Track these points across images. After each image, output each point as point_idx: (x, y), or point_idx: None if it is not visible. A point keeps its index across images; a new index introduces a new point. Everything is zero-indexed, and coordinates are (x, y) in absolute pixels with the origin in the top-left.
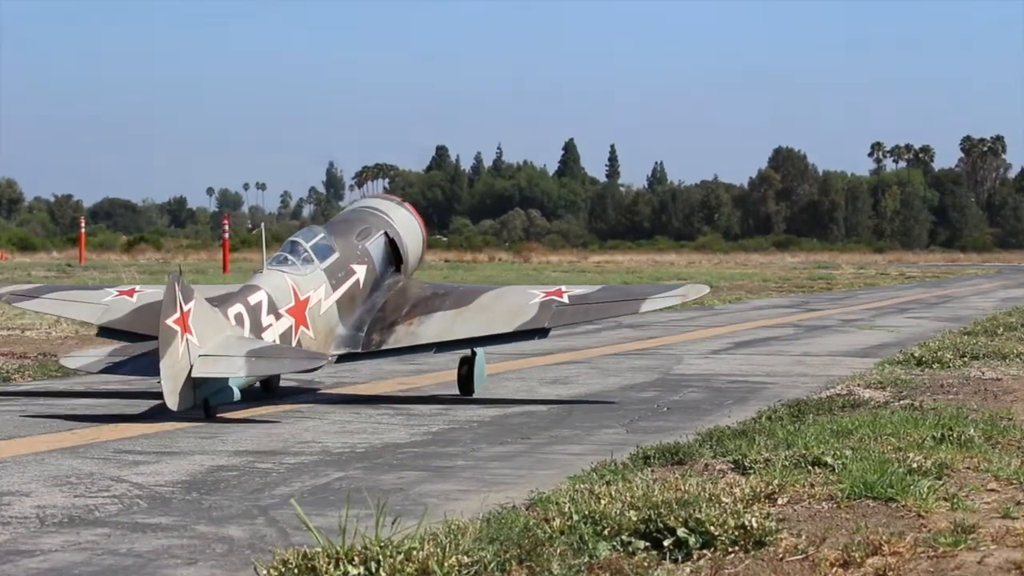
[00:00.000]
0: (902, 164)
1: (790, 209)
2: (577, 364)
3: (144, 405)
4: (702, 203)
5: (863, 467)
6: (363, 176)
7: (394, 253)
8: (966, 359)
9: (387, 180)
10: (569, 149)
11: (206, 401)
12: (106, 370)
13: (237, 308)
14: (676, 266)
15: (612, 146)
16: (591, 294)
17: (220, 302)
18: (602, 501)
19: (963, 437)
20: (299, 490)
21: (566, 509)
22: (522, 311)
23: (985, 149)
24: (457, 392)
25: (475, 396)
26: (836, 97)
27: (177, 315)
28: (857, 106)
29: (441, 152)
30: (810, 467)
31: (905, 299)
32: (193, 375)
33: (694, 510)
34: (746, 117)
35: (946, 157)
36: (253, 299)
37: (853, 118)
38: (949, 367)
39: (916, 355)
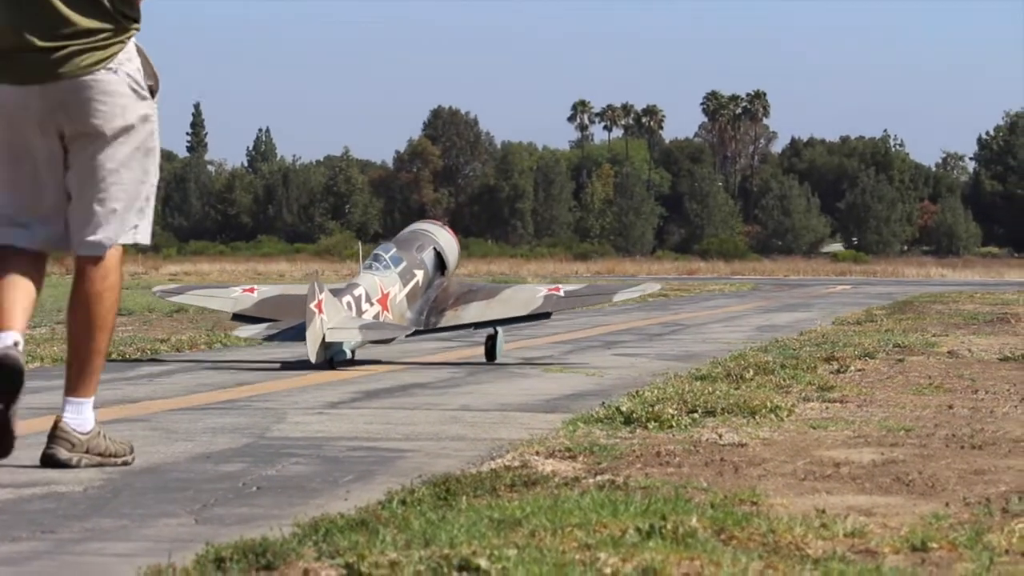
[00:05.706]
0: (617, 133)
1: (454, 198)
2: (132, 422)
3: None
4: (327, 188)
5: (532, 574)
6: None
7: (440, 262)
8: (696, 416)
9: None
10: None
11: (332, 358)
12: (267, 339)
13: (347, 298)
14: (289, 278)
15: (196, 105)
16: (579, 290)
17: (336, 293)
18: None
19: (682, 529)
20: None
21: None
22: (532, 301)
23: (739, 111)
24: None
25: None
26: (520, 35)
27: (315, 301)
28: (551, 48)
29: None
30: (456, 573)
31: (615, 327)
32: (327, 340)
33: None
34: (392, 65)
35: (681, 123)
36: (356, 292)
37: (546, 66)
38: (671, 427)
39: (624, 410)
